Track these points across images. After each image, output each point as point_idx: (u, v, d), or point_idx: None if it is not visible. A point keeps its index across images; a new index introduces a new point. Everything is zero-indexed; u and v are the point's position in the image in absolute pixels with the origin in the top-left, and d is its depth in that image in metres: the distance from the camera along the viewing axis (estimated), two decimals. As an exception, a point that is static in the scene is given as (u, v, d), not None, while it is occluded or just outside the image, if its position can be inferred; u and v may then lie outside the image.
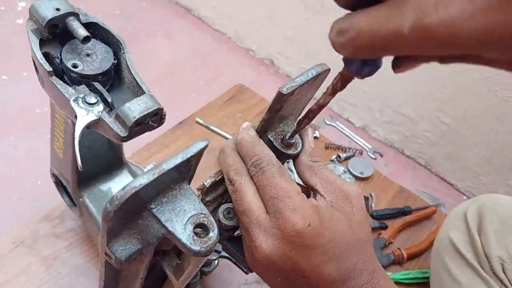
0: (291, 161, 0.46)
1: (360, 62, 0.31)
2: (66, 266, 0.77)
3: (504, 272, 0.63)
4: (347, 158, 1.06)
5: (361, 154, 1.09)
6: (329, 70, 0.42)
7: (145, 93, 0.46)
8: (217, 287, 0.79)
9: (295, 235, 0.38)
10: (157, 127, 0.47)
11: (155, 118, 0.45)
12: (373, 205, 0.97)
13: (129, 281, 0.50)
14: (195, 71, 1.22)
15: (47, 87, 0.48)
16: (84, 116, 0.44)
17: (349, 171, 1.02)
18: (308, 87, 0.42)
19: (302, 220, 0.38)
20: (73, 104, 0.44)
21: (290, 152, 0.45)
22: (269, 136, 0.44)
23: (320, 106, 0.39)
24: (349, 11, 0.28)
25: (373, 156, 1.10)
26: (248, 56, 1.31)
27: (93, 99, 0.45)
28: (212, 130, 1.05)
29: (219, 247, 0.57)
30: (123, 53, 0.49)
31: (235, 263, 0.53)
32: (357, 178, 1.02)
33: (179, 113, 1.06)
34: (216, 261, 0.67)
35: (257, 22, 1.24)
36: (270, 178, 0.40)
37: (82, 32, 0.45)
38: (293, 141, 0.45)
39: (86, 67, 0.47)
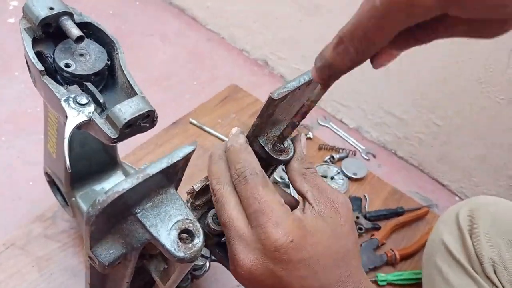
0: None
1: None
2: (59, 268, 0.76)
3: (495, 274, 0.63)
4: (341, 159, 1.06)
5: (355, 155, 1.09)
6: None
7: (137, 94, 0.46)
8: (211, 288, 0.79)
9: (277, 251, 0.38)
10: (149, 129, 0.46)
11: (146, 120, 0.45)
12: (366, 206, 0.97)
13: (115, 284, 0.49)
14: (189, 71, 1.21)
15: (39, 86, 0.48)
16: (75, 117, 0.43)
17: (342, 172, 1.03)
18: (301, 92, 0.42)
19: (284, 236, 0.38)
20: (63, 104, 0.43)
21: (281, 158, 0.44)
22: (260, 141, 0.44)
23: (312, 102, 0.38)
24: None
25: (366, 157, 1.10)
26: (242, 56, 1.31)
27: (84, 100, 0.44)
28: (206, 131, 1.05)
29: (206, 252, 0.56)
30: (116, 53, 0.49)
31: (226, 267, 0.52)
32: (350, 179, 1.02)
33: (173, 113, 1.06)
34: (208, 265, 0.66)
35: (251, 23, 1.24)
36: (254, 189, 0.39)
37: (76, 32, 0.45)
38: (285, 146, 0.44)
39: (79, 67, 0.47)
